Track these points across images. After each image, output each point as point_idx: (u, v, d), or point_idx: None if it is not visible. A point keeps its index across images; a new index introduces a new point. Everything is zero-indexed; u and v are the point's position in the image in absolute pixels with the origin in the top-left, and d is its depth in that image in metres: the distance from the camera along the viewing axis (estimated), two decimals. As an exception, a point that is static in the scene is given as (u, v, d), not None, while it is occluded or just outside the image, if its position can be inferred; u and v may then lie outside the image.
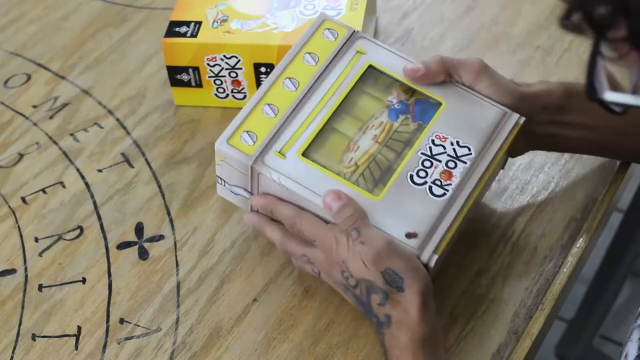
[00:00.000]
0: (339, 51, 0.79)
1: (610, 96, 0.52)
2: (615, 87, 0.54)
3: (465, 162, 0.74)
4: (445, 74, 0.78)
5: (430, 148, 0.75)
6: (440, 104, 0.77)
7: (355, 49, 0.79)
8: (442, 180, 0.73)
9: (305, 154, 0.74)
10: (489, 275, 0.80)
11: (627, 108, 0.53)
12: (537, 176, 0.88)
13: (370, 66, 0.78)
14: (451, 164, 0.74)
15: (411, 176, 0.73)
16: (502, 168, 0.84)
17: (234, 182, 0.77)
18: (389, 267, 0.68)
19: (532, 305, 0.78)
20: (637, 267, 1.65)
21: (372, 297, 0.69)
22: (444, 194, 0.73)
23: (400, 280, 0.68)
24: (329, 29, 0.80)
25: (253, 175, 0.74)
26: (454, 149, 0.75)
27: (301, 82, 0.77)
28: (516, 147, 0.80)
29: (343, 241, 0.70)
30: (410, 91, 0.78)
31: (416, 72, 0.77)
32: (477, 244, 0.82)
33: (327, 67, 0.78)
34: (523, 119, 0.77)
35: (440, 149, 0.75)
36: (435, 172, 0.73)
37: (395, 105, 0.77)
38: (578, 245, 0.82)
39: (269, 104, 0.76)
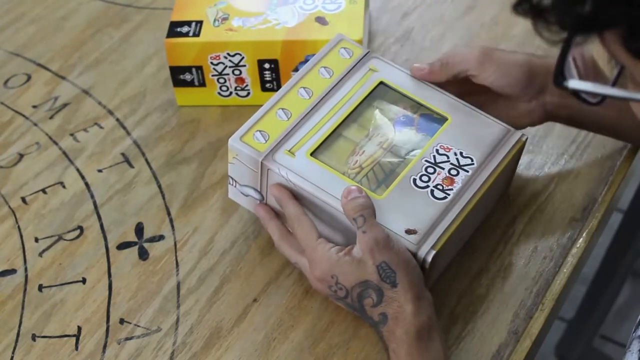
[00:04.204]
0: (352, 67, 0.82)
1: (573, 84, 0.53)
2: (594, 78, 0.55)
3: (468, 171, 0.76)
4: (449, 76, 0.81)
5: (434, 156, 0.77)
6: (445, 119, 0.79)
7: (368, 66, 0.82)
8: (444, 185, 0.75)
9: (313, 154, 0.76)
10: (489, 276, 0.80)
11: (602, 99, 0.54)
12: (537, 176, 0.88)
13: (382, 82, 0.81)
14: (454, 172, 0.76)
15: (414, 180, 0.75)
16: (506, 191, 0.85)
17: (245, 182, 0.79)
18: (384, 261, 0.69)
19: (532, 305, 0.78)
20: (637, 267, 1.65)
21: (365, 301, 0.70)
22: (445, 197, 0.74)
23: (394, 275, 0.69)
24: (344, 48, 0.83)
25: (263, 172, 0.76)
26: (457, 159, 0.77)
27: (315, 92, 0.80)
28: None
29: (333, 256, 0.71)
30: (416, 106, 0.80)
31: (421, 70, 0.81)
32: (477, 244, 0.82)
33: (340, 80, 0.81)
34: (526, 137, 0.79)
35: (444, 158, 0.77)
36: (437, 178, 0.75)
37: (401, 118, 0.80)
38: (578, 245, 0.82)
39: (282, 109, 0.79)
